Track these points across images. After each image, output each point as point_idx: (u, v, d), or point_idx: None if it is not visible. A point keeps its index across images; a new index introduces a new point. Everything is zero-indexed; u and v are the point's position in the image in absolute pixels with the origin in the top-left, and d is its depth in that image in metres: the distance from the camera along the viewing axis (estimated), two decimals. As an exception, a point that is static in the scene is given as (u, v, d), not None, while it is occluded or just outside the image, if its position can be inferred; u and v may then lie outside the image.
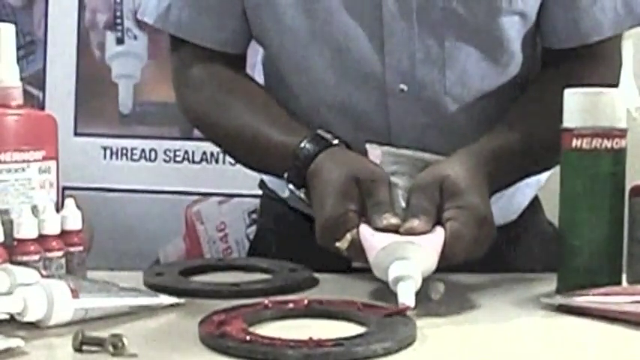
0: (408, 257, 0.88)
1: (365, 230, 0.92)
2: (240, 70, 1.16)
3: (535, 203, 1.23)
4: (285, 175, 1.02)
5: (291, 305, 0.90)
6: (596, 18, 1.07)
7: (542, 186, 1.22)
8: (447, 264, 0.91)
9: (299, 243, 0.98)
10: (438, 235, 0.91)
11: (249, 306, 0.89)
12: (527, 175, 1.09)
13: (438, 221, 0.93)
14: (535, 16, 1.08)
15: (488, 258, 1.05)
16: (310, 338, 0.78)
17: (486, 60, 1.08)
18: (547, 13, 1.08)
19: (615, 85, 1.09)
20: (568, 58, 1.09)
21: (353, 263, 0.93)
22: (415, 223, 0.91)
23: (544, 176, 1.20)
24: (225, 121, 1.10)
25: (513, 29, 1.07)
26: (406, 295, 0.86)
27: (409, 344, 0.81)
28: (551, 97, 1.04)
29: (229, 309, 0.88)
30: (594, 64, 1.09)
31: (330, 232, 0.93)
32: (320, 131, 1.02)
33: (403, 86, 1.07)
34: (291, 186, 1.02)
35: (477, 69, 1.08)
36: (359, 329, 0.84)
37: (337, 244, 0.92)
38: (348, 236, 0.92)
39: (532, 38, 1.11)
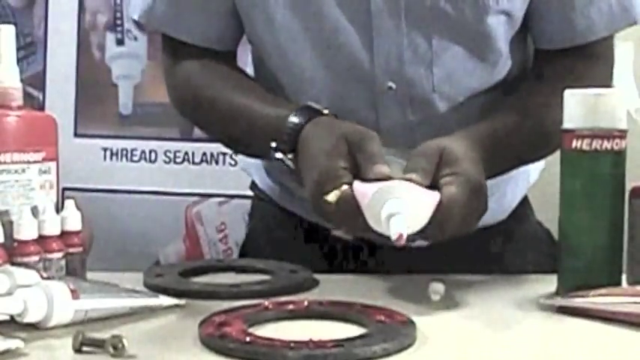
0: (401, 197, 0.87)
1: (358, 184, 0.91)
2: (230, 63, 1.16)
3: (525, 203, 1.23)
4: (273, 144, 1.00)
5: (291, 306, 0.90)
6: (592, 18, 1.08)
7: (531, 186, 1.22)
8: (440, 231, 0.89)
9: (289, 244, 0.98)
10: (434, 194, 0.90)
11: (250, 307, 0.89)
12: (521, 164, 1.09)
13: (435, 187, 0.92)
14: (522, 16, 1.08)
15: (478, 257, 1.06)
16: (310, 339, 0.78)
17: (474, 58, 1.08)
18: (540, 13, 1.08)
19: (610, 83, 1.09)
20: (563, 57, 1.10)
21: (333, 231, 0.91)
22: (413, 176, 0.90)
23: (533, 176, 1.20)
24: (214, 101, 1.10)
25: (500, 28, 1.07)
26: (398, 227, 0.84)
27: (409, 345, 0.81)
28: (549, 92, 1.05)
29: (229, 310, 0.88)
30: (590, 62, 1.09)
31: (321, 188, 0.92)
32: (310, 103, 1.02)
33: (392, 84, 1.07)
34: (278, 154, 1.00)
35: (465, 67, 1.08)
36: (359, 330, 0.84)
37: (326, 197, 0.91)
38: (337, 191, 0.90)
39: (520, 38, 1.11)
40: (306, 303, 0.90)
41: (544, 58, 1.12)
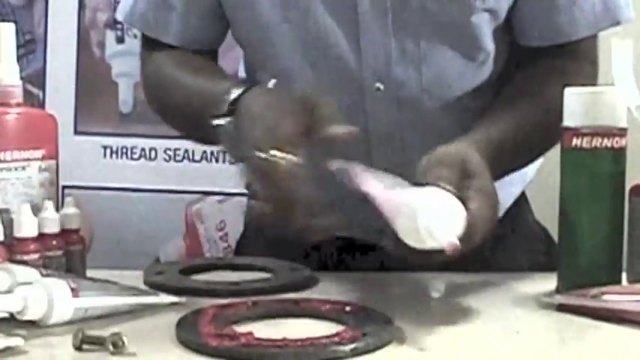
0: (437, 206, 0.82)
1: (376, 187, 0.86)
2: (206, 56, 1.14)
3: (521, 202, 1.22)
4: (213, 111, 0.94)
5: (269, 305, 0.90)
6: (575, 17, 1.07)
7: (527, 184, 1.21)
8: (466, 245, 0.85)
9: (283, 243, 0.97)
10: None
11: (226, 306, 0.89)
12: (519, 167, 1.09)
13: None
14: (505, 12, 1.08)
15: (473, 257, 1.05)
16: (285, 337, 0.77)
17: (462, 58, 1.08)
18: (523, 11, 1.08)
19: (595, 83, 1.09)
20: (547, 55, 1.09)
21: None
22: (441, 184, 0.86)
23: (529, 174, 1.20)
24: (173, 83, 1.09)
25: (484, 26, 1.07)
26: (447, 236, 0.81)
27: (387, 343, 0.80)
28: (539, 91, 1.05)
29: (208, 307, 0.88)
30: (574, 63, 1.09)
31: (259, 142, 0.86)
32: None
33: (379, 85, 1.07)
34: (216, 121, 0.93)
35: (454, 67, 1.08)
36: (336, 328, 0.83)
37: (261, 153, 0.83)
38: (278, 153, 0.83)
39: (505, 35, 1.10)
40: (282, 301, 0.90)
41: (528, 57, 1.11)
